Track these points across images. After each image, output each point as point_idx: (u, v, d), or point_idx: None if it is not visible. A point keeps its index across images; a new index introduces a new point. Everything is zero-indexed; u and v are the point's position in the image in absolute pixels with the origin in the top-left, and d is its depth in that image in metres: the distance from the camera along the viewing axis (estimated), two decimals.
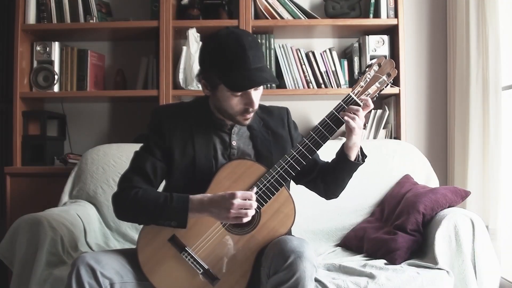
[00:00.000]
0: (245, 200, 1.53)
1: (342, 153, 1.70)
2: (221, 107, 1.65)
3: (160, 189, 1.77)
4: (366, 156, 1.75)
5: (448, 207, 2.05)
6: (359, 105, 1.62)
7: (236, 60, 1.55)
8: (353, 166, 1.71)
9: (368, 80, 1.64)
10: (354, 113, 1.60)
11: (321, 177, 1.80)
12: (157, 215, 1.57)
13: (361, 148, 1.73)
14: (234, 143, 1.72)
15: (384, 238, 2.04)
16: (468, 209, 2.43)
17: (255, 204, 1.55)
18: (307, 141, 1.62)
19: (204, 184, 1.62)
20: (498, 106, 2.42)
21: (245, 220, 1.54)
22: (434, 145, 2.97)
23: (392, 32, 2.80)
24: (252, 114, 1.66)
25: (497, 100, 2.43)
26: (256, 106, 1.62)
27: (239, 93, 1.59)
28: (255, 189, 1.59)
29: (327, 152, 1.74)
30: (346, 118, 1.60)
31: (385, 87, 1.65)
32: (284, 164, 1.61)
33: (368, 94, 1.64)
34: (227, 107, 1.63)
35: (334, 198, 1.85)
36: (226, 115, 1.67)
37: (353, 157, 1.70)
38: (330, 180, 1.78)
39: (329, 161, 1.80)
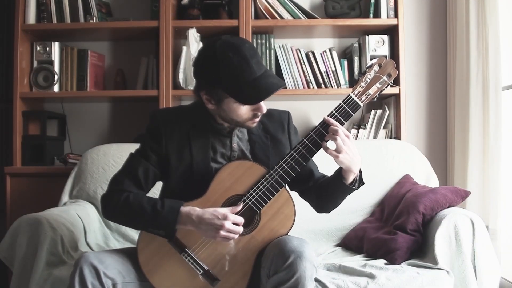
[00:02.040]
0: (235, 224, 1.54)
1: (340, 172, 1.67)
2: (227, 117, 1.63)
3: (157, 188, 1.77)
4: (363, 183, 1.71)
5: (448, 207, 2.05)
6: (359, 106, 1.62)
7: (241, 73, 1.52)
8: (346, 189, 1.67)
9: (369, 80, 1.64)
10: (333, 138, 1.58)
11: (315, 189, 1.77)
12: (145, 223, 1.57)
13: (361, 173, 1.69)
14: (235, 145, 1.72)
15: (384, 238, 2.04)
16: (468, 209, 2.43)
17: (241, 230, 1.55)
18: (307, 142, 1.61)
19: (203, 186, 1.62)
20: (498, 106, 2.42)
21: (225, 242, 1.56)
22: (434, 145, 2.97)
23: (392, 32, 2.80)
24: (260, 117, 1.65)
25: (497, 100, 2.43)
26: (264, 110, 1.61)
27: None
28: (241, 206, 1.58)
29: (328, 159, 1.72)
30: (324, 144, 1.59)
31: (386, 87, 1.65)
32: (284, 165, 1.60)
33: (368, 95, 1.64)
34: (235, 117, 1.61)
35: (325, 213, 1.81)
36: (233, 123, 1.65)
37: (348, 180, 1.65)
38: (323, 195, 1.75)
39: (327, 175, 1.78)
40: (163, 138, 1.66)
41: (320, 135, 1.61)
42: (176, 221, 1.55)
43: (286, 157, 1.61)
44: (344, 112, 1.62)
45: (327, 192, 1.72)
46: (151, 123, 1.70)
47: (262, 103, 1.59)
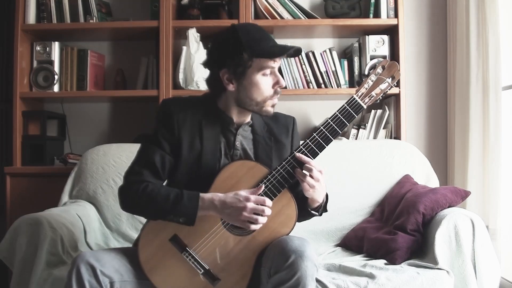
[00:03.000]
0: (259, 205, 1.54)
1: (304, 196, 1.67)
2: (248, 97, 1.64)
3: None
4: (326, 211, 1.74)
5: (448, 207, 2.05)
6: (363, 108, 1.63)
7: (262, 37, 1.63)
8: (308, 213, 1.70)
9: (372, 82, 1.64)
10: (308, 172, 1.58)
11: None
12: (166, 211, 1.57)
13: (327, 199, 1.72)
14: (237, 143, 1.72)
15: (384, 238, 2.04)
16: (468, 209, 2.43)
17: (268, 211, 1.55)
18: (310, 143, 1.61)
19: (207, 181, 1.62)
20: (498, 106, 2.42)
21: (254, 227, 1.55)
22: (434, 145, 2.97)
23: (392, 32, 2.80)
24: (277, 99, 1.67)
25: (497, 100, 2.43)
26: (283, 83, 1.65)
27: (269, 72, 1.63)
28: (263, 187, 1.58)
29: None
30: (299, 176, 1.58)
31: (389, 89, 1.66)
32: (286, 165, 1.60)
33: (372, 97, 1.64)
34: (257, 94, 1.63)
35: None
36: (252, 104, 1.65)
37: (312, 206, 1.68)
38: None
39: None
40: (175, 126, 1.66)
41: (323, 136, 1.61)
42: (198, 207, 1.55)
43: (289, 157, 1.61)
44: (347, 113, 1.62)
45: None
46: (162, 110, 1.69)
47: (281, 76, 1.65)
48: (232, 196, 1.55)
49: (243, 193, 1.56)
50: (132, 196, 1.61)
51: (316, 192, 1.61)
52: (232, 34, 1.62)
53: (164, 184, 1.76)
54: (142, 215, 1.72)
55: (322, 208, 1.72)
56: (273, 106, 1.67)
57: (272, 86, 1.64)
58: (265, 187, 1.59)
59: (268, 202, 1.56)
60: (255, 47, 1.59)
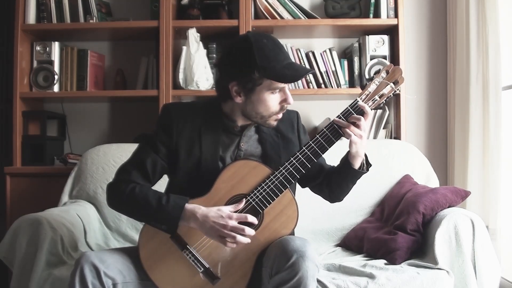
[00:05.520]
0: (243, 224, 1.54)
1: (346, 160, 1.70)
2: (253, 111, 1.63)
3: (163, 185, 1.77)
4: (371, 165, 1.75)
5: (448, 207, 2.05)
6: (365, 111, 1.63)
7: (277, 56, 1.58)
8: (356, 174, 1.72)
9: (376, 86, 1.65)
10: (356, 124, 1.60)
11: (326, 182, 1.80)
12: (149, 216, 1.58)
13: (366, 156, 1.73)
14: (242, 145, 1.72)
15: (384, 238, 2.04)
16: (468, 209, 2.43)
17: (249, 231, 1.54)
18: (313, 145, 1.62)
19: (208, 184, 1.62)
20: (498, 106, 2.42)
21: (230, 245, 1.54)
22: (434, 145, 2.97)
23: (392, 32, 2.80)
24: (282, 114, 1.67)
25: (497, 100, 2.43)
26: (292, 101, 1.64)
27: (278, 90, 1.61)
28: (243, 202, 1.58)
29: (333, 153, 1.73)
30: (348, 131, 1.60)
31: (393, 94, 1.66)
32: (289, 166, 1.61)
33: (375, 100, 1.65)
34: (263, 109, 1.62)
35: (338, 201, 1.85)
36: (257, 118, 1.65)
37: (356, 165, 1.70)
38: (334, 185, 1.78)
39: (335, 166, 1.80)
40: (174, 132, 1.66)
41: (326, 138, 1.62)
42: (180, 217, 1.55)
43: (291, 158, 1.61)
44: (351, 116, 1.63)
45: (338, 182, 1.76)
46: (163, 116, 1.70)
47: (290, 94, 1.63)
48: (215, 211, 1.55)
49: (226, 210, 1.56)
50: (118, 194, 1.62)
51: (363, 144, 1.64)
52: (245, 47, 1.57)
53: (165, 185, 1.77)
54: (127, 215, 1.72)
55: (366, 163, 1.73)
56: (276, 120, 1.67)
57: (279, 103, 1.64)
58: (267, 187, 1.59)
59: (251, 218, 1.55)
60: (267, 68, 1.56)
